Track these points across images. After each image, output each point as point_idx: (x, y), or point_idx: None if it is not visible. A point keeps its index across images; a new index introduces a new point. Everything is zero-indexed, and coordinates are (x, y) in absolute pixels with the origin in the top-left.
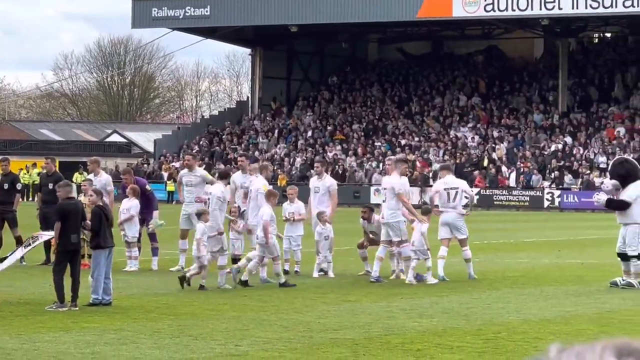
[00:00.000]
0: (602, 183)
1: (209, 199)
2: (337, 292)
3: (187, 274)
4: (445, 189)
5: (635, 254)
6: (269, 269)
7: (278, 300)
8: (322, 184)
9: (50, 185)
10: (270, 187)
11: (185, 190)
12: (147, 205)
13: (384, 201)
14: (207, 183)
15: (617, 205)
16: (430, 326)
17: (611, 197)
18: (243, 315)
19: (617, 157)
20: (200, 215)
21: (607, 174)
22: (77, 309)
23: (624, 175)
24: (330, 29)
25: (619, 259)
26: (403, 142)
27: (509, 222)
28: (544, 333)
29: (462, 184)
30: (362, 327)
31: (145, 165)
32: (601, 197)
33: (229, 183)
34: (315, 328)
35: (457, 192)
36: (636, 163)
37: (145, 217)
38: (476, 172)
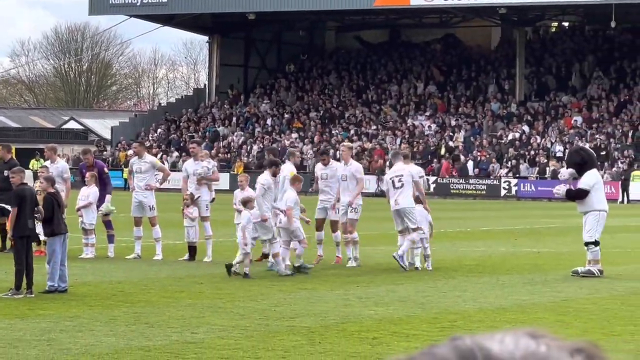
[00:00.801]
0: (559, 173)
1: (158, 183)
2: (293, 280)
3: (234, 262)
4: (391, 178)
5: (592, 240)
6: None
7: (234, 288)
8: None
9: (6, 173)
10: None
11: (135, 178)
12: (102, 188)
13: (397, 187)
14: (156, 169)
15: (576, 195)
16: (386, 314)
17: (570, 187)
18: (199, 302)
19: (573, 145)
20: (245, 203)
21: (565, 162)
22: (32, 295)
23: (579, 163)
24: (288, 16)
25: (585, 248)
26: (360, 130)
27: (466, 210)
28: (500, 322)
29: (409, 171)
30: (319, 315)
31: (104, 153)
32: (560, 188)
33: (275, 172)
34: (272, 316)
35: (402, 180)
36: (592, 152)
37: (99, 200)
38: (443, 160)
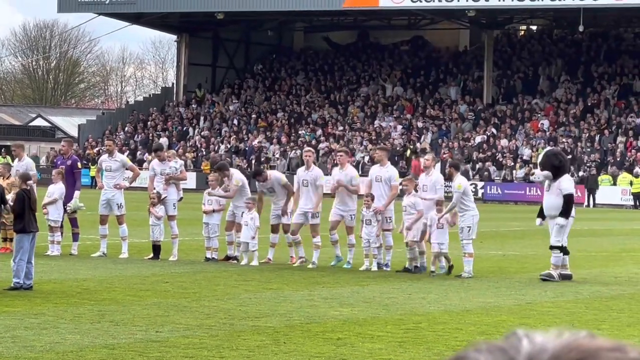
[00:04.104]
0: (532, 174)
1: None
2: (258, 280)
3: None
4: (372, 179)
5: (559, 245)
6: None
7: (199, 287)
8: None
9: None
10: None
11: (104, 176)
12: (72, 184)
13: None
14: (126, 169)
15: (570, 201)
16: (351, 315)
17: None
18: (164, 301)
19: (548, 148)
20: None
21: (538, 164)
22: None
23: (557, 166)
24: (257, 16)
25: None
26: (327, 131)
27: None
28: (465, 324)
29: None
30: (283, 315)
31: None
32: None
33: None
34: (237, 315)
35: (379, 181)
36: (565, 155)
37: (65, 197)
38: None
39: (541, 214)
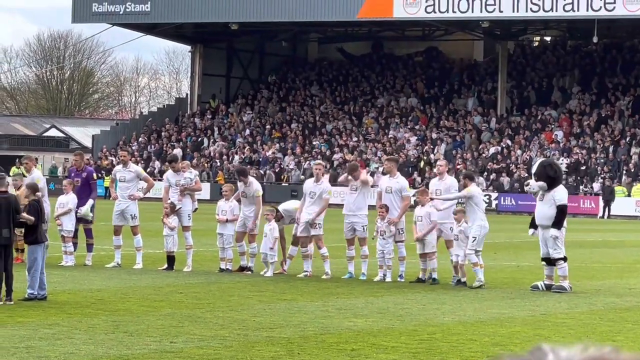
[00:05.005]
0: (527, 185)
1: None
2: (272, 291)
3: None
4: (382, 190)
5: (561, 256)
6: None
7: (213, 298)
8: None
9: None
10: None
11: (118, 187)
12: (88, 194)
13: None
14: (140, 179)
15: (563, 212)
16: (365, 326)
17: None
18: (178, 312)
19: (543, 159)
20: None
21: (533, 175)
22: (12, 303)
23: (553, 177)
24: (271, 27)
25: (543, 263)
26: (341, 141)
27: None
28: (479, 335)
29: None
30: (298, 326)
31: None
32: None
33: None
34: (251, 326)
35: (389, 193)
36: (560, 166)
37: (80, 206)
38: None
39: (533, 224)
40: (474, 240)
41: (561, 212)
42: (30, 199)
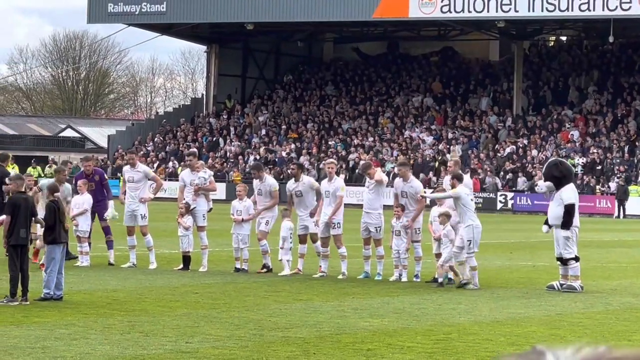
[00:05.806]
0: (536, 185)
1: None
2: (288, 291)
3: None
4: (398, 193)
5: (572, 256)
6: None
7: (229, 298)
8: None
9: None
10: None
11: (127, 187)
12: (104, 196)
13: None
14: (149, 179)
15: (570, 211)
16: (381, 326)
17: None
18: (194, 312)
19: (552, 159)
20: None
21: (542, 175)
22: (28, 303)
23: (558, 177)
24: (286, 27)
25: (558, 262)
26: (357, 141)
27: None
28: (495, 335)
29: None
30: (313, 326)
31: (109, 162)
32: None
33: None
34: (267, 326)
35: (405, 197)
36: (570, 165)
37: (100, 208)
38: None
39: (548, 222)
40: (469, 244)
41: (568, 212)
42: (49, 199)
